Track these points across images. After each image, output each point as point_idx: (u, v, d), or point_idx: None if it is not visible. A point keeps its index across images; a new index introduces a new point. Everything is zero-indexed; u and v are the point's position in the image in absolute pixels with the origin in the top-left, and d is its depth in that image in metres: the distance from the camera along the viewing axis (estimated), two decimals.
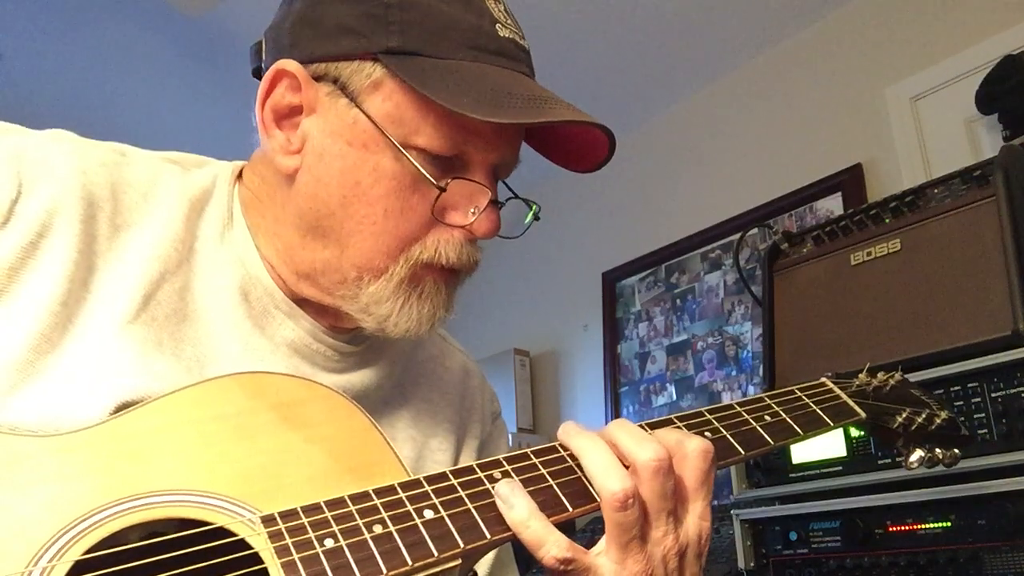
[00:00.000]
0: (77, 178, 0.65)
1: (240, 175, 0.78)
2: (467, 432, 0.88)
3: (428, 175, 0.67)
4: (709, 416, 0.72)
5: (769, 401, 0.77)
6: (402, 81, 0.66)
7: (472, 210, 0.70)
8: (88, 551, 0.49)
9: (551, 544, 0.56)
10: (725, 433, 0.70)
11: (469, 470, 0.60)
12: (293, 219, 0.71)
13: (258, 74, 0.74)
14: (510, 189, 0.78)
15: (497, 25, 0.70)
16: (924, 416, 0.84)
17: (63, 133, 0.70)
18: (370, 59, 0.67)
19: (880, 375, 0.88)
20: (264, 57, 0.73)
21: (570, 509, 0.59)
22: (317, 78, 0.69)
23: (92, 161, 0.68)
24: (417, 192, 0.68)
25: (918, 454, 0.83)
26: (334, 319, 0.75)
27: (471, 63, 0.67)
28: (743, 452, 0.70)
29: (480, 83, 0.65)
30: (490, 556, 0.85)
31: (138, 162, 0.72)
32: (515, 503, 0.57)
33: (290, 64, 0.68)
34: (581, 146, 0.73)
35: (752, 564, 1.42)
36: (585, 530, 2.11)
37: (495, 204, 0.71)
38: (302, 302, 0.74)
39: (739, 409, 0.74)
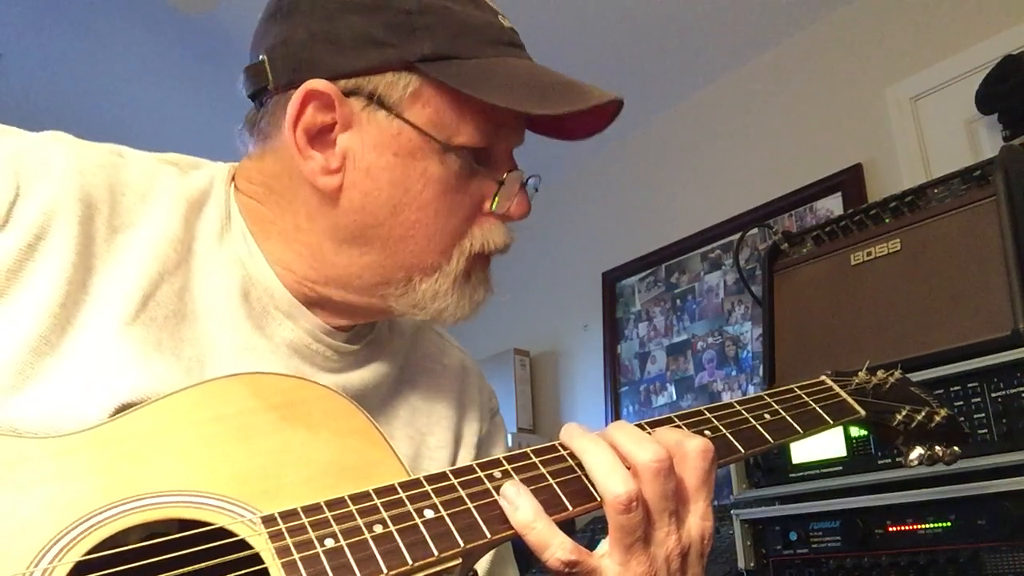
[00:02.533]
0: (75, 179, 0.65)
1: (234, 177, 0.77)
2: (465, 429, 0.88)
3: (483, 171, 0.71)
4: (709, 415, 0.72)
5: (769, 400, 0.77)
6: (440, 85, 0.68)
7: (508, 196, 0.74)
8: (89, 552, 0.49)
9: (556, 547, 0.56)
10: (725, 432, 0.70)
11: (469, 470, 0.60)
12: (326, 231, 0.71)
13: (258, 96, 0.73)
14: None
15: (499, 17, 0.72)
16: (924, 414, 0.84)
17: (60, 135, 0.70)
18: (403, 68, 0.68)
19: (880, 373, 0.88)
20: (272, 78, 0.71)
21: (570, 508, 0.59)
22: (347, 94, 0.68)
23: (90, 162, 0.68)
24: (461, 190, 0.71)
25: (918, 452, 0.83)
26: (349, 316, 0.76)
27: (496, 59, 0.70)
28: (743, 451, 0.70)
29: (515, 77, 0.69)
30: (490, 554, 0.85)
31: (135, 163, 0.72)
32: (520, 504, 0.57)
33: (320, 83, 0.67)
34: (578, 117, 0.75)
35: (752, 564, 1.42)
36: (585, 530, 2.11)
37: (523, 186, 0.75)
38: (318, 302, 0.74)
39: (739, 407, 0.74)
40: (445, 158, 0.69)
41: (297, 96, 0.68)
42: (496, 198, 0.72)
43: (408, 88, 0.68)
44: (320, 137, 0.70)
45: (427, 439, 0.83)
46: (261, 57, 0.72)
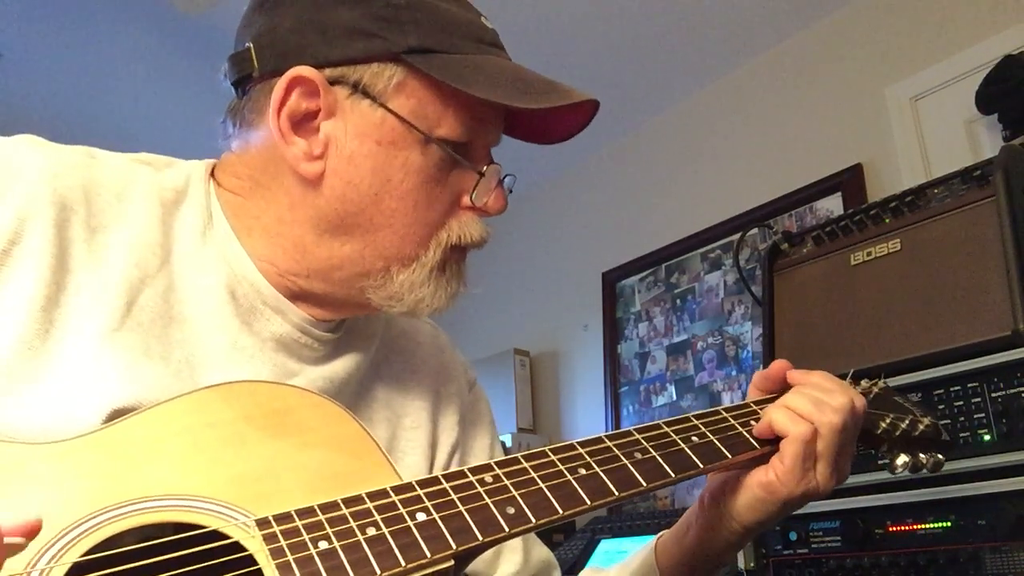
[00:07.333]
0: (48, 182, 0.65)
1: (213, 174, 0.77)
2: (446, 406, 0.88)
3: (462, 164, 0.72)
4: (696, 422, 0.73)
5: (755, 407, 0.78)
6: (425, 78, 0.69)
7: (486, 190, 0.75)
8: (85, 554, 0.49)
9: None
10: (712, 438, 0.71)
11: (460, 474, 0.61)
12: (309, 220, 0.72)
13: (242, 84, 0.74)
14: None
15: (482, 19, 0.74)
16: (907, 422, 0.85)
17: (31, 138, 0.70)
18: (389, 59, 0.69)
19: (863, 382, 0.89)
20: (257, 65, 0.72)
21: (560, 512, 0.60)
22: (332, 82, 0.69)
23: (62, 165, 0.67)
24: (440, 181, 0.72)
25: (903, 459, 0.84)
26: (330, 309, 0.76)
27: (480, 56, 0.71)
28: (730, 456, 0.71)
29: (498, 73, 0.70)
30: (517, 541, 0.87)
31: (108, 164, 0.72)
32: None
33: (306, 70, 0.68)
34: (553, 121, 0.77)
35: (752, 564, 1.42)
36: (585, 530, 2.11)
37: (500, 182, 0.76)
38: (300, 296, 0.75)
39: (725, 415, 0.75)
40: (426, 149, 0.70)
41: (282, 82, 0.69)
42: (475, 190, 0.73)
43: (393, 79, 0.69)
44: (304, 124, 0.70)
45: (402, 420, 0.84)
46: (247, 44, 0.73)
